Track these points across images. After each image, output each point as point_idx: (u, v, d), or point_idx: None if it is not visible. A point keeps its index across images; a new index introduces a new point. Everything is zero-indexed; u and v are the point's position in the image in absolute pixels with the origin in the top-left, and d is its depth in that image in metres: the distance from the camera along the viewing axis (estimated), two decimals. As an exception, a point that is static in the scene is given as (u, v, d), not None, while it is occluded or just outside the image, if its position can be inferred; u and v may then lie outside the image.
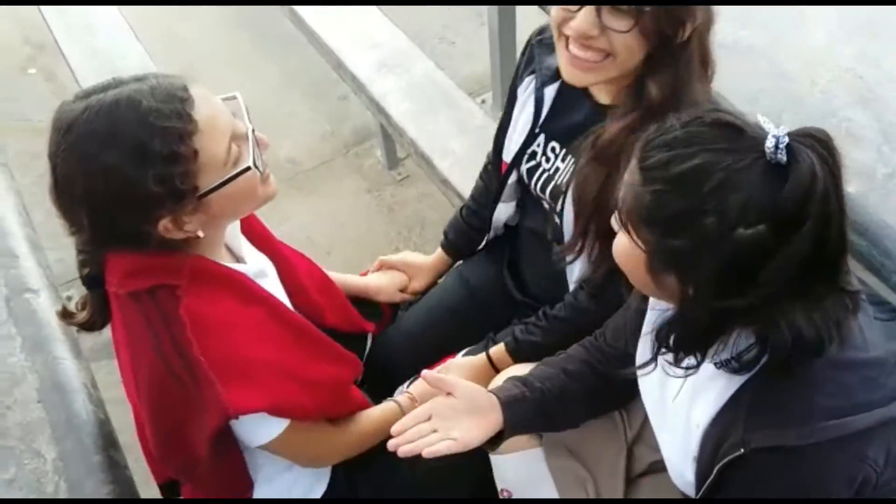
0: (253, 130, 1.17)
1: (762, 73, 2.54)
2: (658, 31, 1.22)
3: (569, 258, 1.46)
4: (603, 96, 1.40)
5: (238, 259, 1.36)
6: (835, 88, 2.51)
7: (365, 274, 1.84)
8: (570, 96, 1.44)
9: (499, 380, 1.44)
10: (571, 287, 1.54)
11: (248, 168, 1.15)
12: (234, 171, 1.15)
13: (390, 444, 1.22)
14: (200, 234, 1.17)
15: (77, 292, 1.30)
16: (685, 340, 1.03)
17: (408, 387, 1.59)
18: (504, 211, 1.68)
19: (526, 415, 1.30)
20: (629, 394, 1.31)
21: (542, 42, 1.49)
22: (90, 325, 1.31)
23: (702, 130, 0.98)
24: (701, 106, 1.17)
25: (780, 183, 0.92)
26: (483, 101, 3.05)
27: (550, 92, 1.47)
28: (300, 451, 1.37)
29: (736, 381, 1.06)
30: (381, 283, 1.81)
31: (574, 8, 1.23)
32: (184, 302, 1.17)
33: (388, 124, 2.53)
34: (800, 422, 1.01)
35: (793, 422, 1.01)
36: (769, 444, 1.01)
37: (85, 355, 1.61)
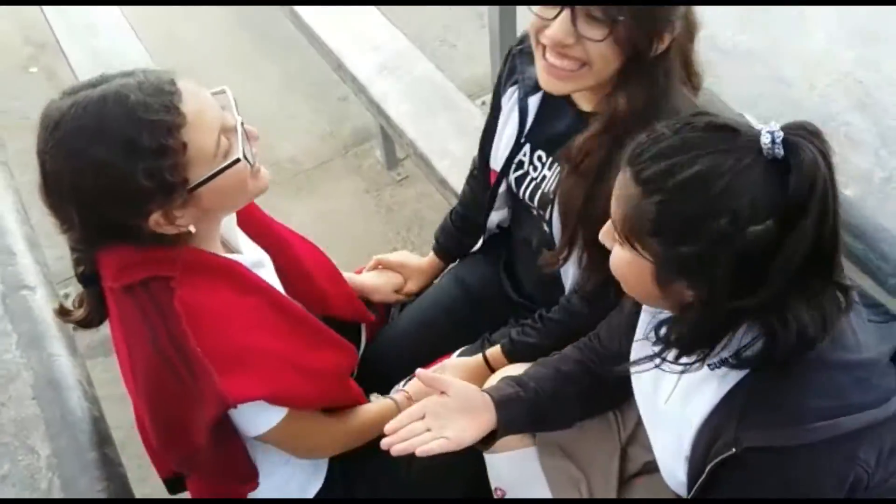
0: (242, 123, 1.17)
1: (761, 77, 2.54)
2: (632, 42, 1.21)
3: (558, 266, 1.46)
4: (585, 104, 1.40)
5: (234, 252, 1.36)
6: (833, 92, 2.52)
7: (360, 271, 1.85)
8: (554, 105, 1.44)
9: (493, 379, 1.44)
10: (567, 288, 1.54)
11: (238, 160, 1.15)
12: (224, 164, 1.14)
13: (384, 443, 1.22)
14: (192, 229, 1.17)
15: (75, 290, 1.31)
16: (693, 340, 1.03)
17: (403, 386, 1.59)
18: (497, 217, 1.69)
19: (519, 414, 1.31)
20: (623, 394, 1.31)
21: (522, 51, 1.48)
22: (87, 323, 1.31)
23: (697, 135, 0.98)
24: (683, 113, 1.17)
25: (783, 177, 0.93)
26: (483, 103, 3.05)
27: (534, 101, 1.47)
28: (298, 441, 1.37)
29: (729, 382, 1.07)
30: (376, 283, 1.81)
31: (549, 16, 1.23)
32: (178, 293, 1.17)
33: (388, 125, 2.54)
34: (792, 422, 1.01)
35: (785, 422, 1.01)
36: (761, 444, 1.01)
37: (80, 352, 1.62)
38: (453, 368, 1.58)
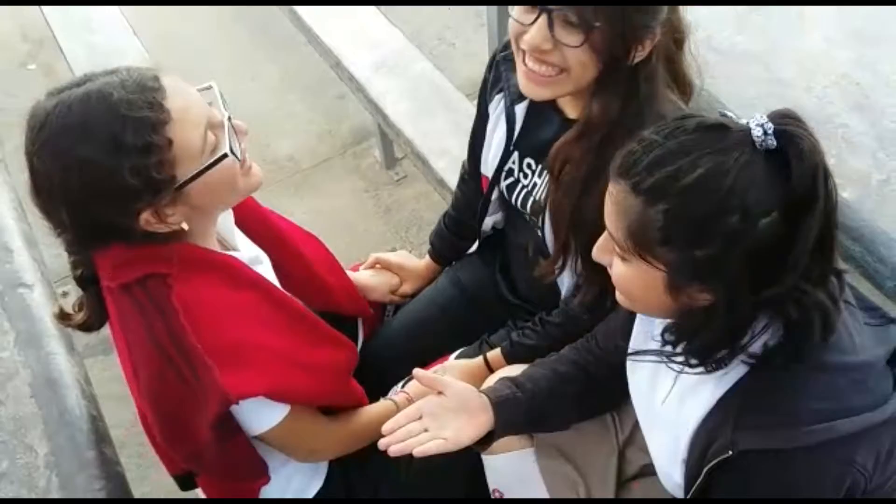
0: (230, 118, 1.17)
1: (758, 78, 2.53)
2: (608, 48, 1.21)
3: (554, 274, 1.46)
4: (571, 111, 1.40)
5: (230, 250, 1.36)
6: (831, 94, 2.51)
7: (356, 268, 1.85)
8: (541, 112, 1.44)
9: (490, 380, 1.44)
10: (563, 292, 1.54)
11: (225, 155, 1.14)
12: (212, 160, 1.14)
13: (381, 444, 1.22)
14: (185, 226, 1.17)
15: (73, 287, 1.30)
16: (715, 342, 1.03)
17: (402, 387, 1.59)
18: (492, 220, 1.69)
19: (516, 415, 1.31)
20: (620, 396, 1.31)
21: (506, 58, 1.47)
22: (87, 326, 1.30)
23: (690, 137, 0.97)
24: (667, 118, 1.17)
25: (782, 166, 0.93)
26: (481, 103, 3.05)
27: (521, 109, 1.47)
28: (299, 442, 1.37)
29: (725, 384, 1.07)
30: (373, 283, 1.81)
31: (527, 21, 1.23)
32: (175, 289, 1.17)
33: (386, 124, 2.54)
34: (788, 424, 1.01)
35: (781, 424, 1.01)
36: (757, 447, 1.01)
37: (78, 351, 1.62)
38: (453, 370, 1.58)
